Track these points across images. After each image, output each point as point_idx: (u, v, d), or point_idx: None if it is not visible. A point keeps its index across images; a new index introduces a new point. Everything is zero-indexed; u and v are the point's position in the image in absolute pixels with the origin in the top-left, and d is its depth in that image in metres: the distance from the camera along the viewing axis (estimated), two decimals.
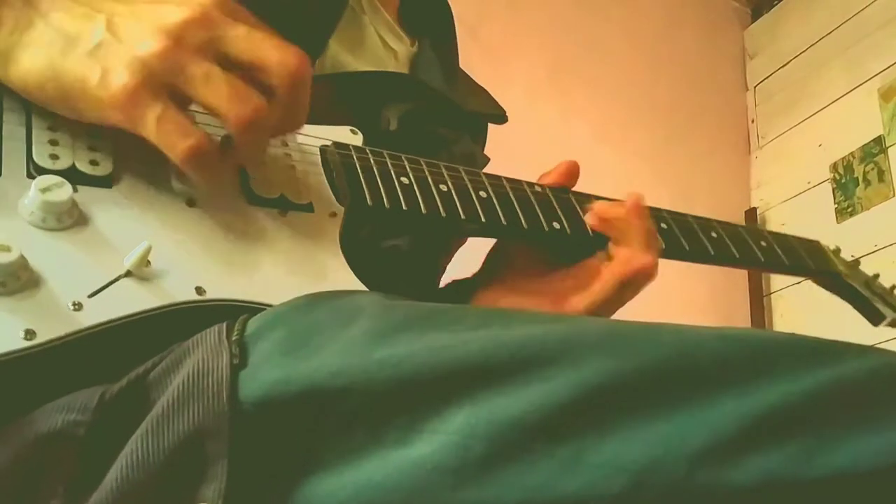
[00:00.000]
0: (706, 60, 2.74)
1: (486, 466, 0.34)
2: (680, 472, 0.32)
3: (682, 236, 0.75)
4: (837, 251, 0.94)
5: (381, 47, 0.78)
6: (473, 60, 2.13)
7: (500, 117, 0.87)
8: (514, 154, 2.12)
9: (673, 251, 0.74)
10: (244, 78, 0.49)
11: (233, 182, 0.57)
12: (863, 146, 2.33)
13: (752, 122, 2.75)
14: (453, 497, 0.34)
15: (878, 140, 2.30)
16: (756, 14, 2.89)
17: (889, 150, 2.27)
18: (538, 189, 0.70)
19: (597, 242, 0.70)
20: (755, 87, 2.78)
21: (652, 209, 0.74)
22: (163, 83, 0.47)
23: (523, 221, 0.66)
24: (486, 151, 0.89)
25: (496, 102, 0.88)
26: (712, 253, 0.76)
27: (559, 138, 2.28)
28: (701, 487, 0.31)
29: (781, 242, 0.85)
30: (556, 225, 0.68)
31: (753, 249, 0.80)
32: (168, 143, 0.48)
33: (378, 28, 0.79)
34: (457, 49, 0.88)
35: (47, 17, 0.49)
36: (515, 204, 0.67)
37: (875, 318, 0.89)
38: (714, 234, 0.78)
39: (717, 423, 0.32)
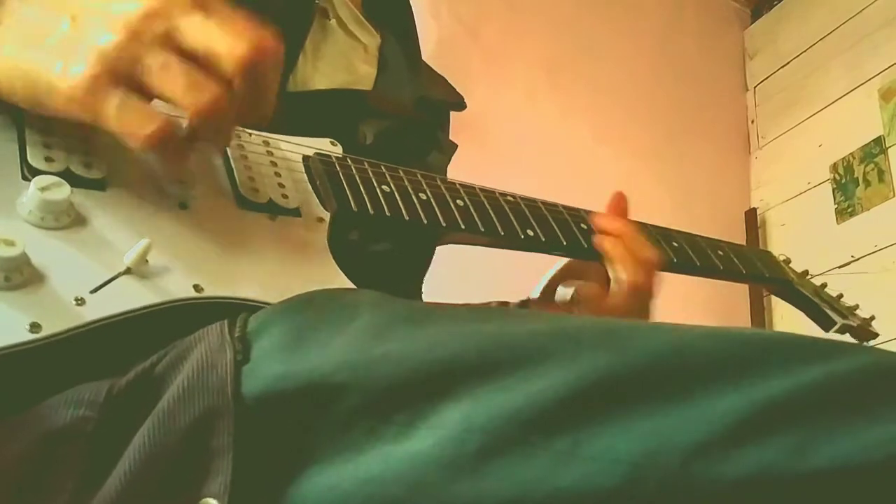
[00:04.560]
0: (706, 60, 2.74)
1: (482, 459, 0.35)
2: (675, 465, 0.32)
3: None
4: (787, 261, 0.98)
5: (348, 49, 0.80)
6: (473, 60, 2.15)
7: (460, 104, 0.92)
8: (514, 154, 2.13)
9: None
10: (202, 67, 0.49)
11: (222, 185, 0.59)
12: (863, 146, 2.33)
13: (752, 122, 2.75)
14: (451, 489, 0.35)
15: (878, 140, 2.30)
16: (756, 14, 2.89)
17: (889, 150, 2.27)
18: (510, 199, 0.73)
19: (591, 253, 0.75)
20: (755, 88, 2.78)
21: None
22: (120, 73, 0.48)
23: (499, 229, 0.69)
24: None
25: (455, 90, 0.94)
26: (675, 261, 0.80)
27: (559, 138, 2.28)
28: (696, 480, 0.32)
29: (737, 252, 0.89)
30: (531, 232, 0.71)
31: (711, 258, 0.85)
32: (129, 130, 0.48)
33: (347, 21, 0.81)
34: (418, 40, 0.91)
35: (17, 13, 0.50)
36: (491, 212, 0.70)
37: (826, 324, 0.93)
38: (675, 244, 0.82)
39: (712, 417, 0.33)
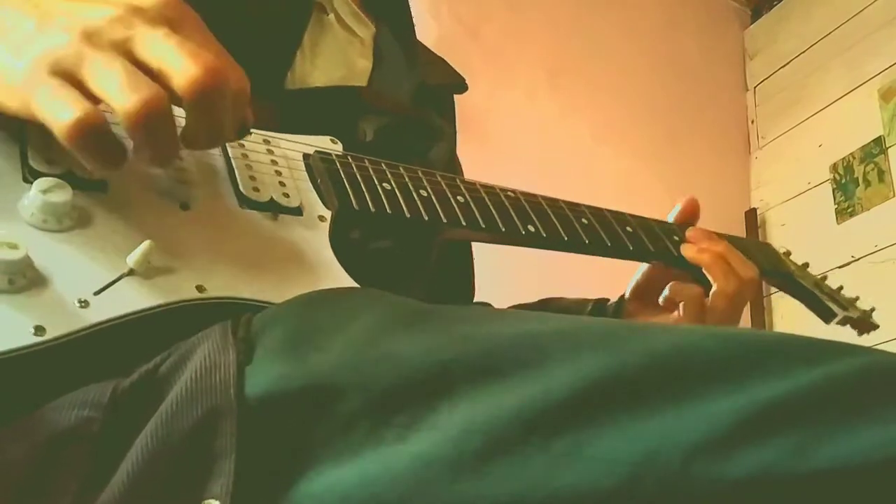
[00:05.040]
0: (706, 60, 2.74)
1: (483, 460, 0.35)
2: (675, 466, 0.32)
3: (646, 238, 0.79)
4: (788, 253, 0.98)
5: (346, 44, 0.80)
6: (473, 60, 2.15)
7: (461, 86, 0.91)
8: (514, 154, 2.13)
9: (638, 253, 0.79)
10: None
11: (223, 185, 0.59)
12: (863, 147, 2.33)
13: (752, 122, 2.75)
14: (451, 490, 0.35)
15: (878, 140, 2.30)
16: (756, 14, 2.89)
17: (889, 150, 2.27)
18: (511, 194, 0.73)
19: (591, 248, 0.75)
20: (755, 88, 2.78)
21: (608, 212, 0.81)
22: (60, 69, 0.45)
23: (500, 224, 0.69)
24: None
25: (455, 72, 0.92)
26: (675, 255, 0.80)
27: (559, 138, 2.28)
28: (696, 480, 0.32)
29: (738, 244, 0.88)
30: (532, 228, 0.71)
31: None
32: (51, 115, 0.44)
33: (344, 16, 0.81)
34: (413, 24, 0.91)
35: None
36: (491, 208, 0.70)
37: (827, 316, 0.93)
38: (676, 238, 0.82)
39: (712, 417, 0.33)
